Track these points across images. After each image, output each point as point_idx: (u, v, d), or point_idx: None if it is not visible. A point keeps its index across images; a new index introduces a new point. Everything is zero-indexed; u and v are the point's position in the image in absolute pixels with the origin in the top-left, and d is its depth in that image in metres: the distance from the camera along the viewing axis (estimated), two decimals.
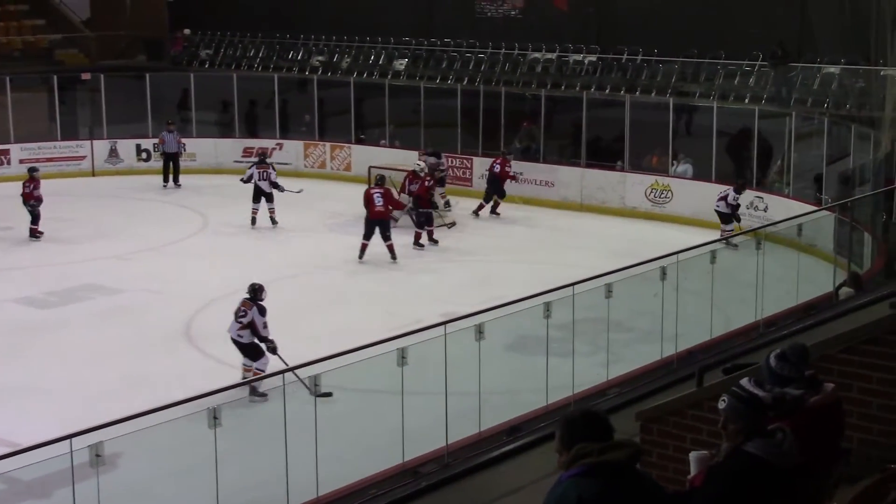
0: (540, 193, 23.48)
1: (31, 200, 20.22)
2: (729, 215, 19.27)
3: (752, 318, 12.45)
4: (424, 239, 19.69)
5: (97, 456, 7.81)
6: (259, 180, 20.94)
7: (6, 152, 26.07)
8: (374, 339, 10.11)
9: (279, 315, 15.70)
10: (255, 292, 12.62)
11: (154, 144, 26.28)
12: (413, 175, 20.81)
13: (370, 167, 22.72)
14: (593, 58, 25.91)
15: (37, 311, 16.17)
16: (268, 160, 22.23)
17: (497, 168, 22.34)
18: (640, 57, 25.10)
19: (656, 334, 11.90)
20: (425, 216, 19.69)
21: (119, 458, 8.56)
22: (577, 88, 25.14)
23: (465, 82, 26.54)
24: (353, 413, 11.14)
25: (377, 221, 18.63)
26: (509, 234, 20.99)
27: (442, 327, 10.22)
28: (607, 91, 24.94)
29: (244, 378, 12.11)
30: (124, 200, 24.03)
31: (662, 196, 22.25)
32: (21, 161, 25.96)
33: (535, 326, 12.90)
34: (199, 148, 27.20)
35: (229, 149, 27.28)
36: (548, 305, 10.88)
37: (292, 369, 9.75)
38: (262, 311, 12.44)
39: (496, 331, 10.66)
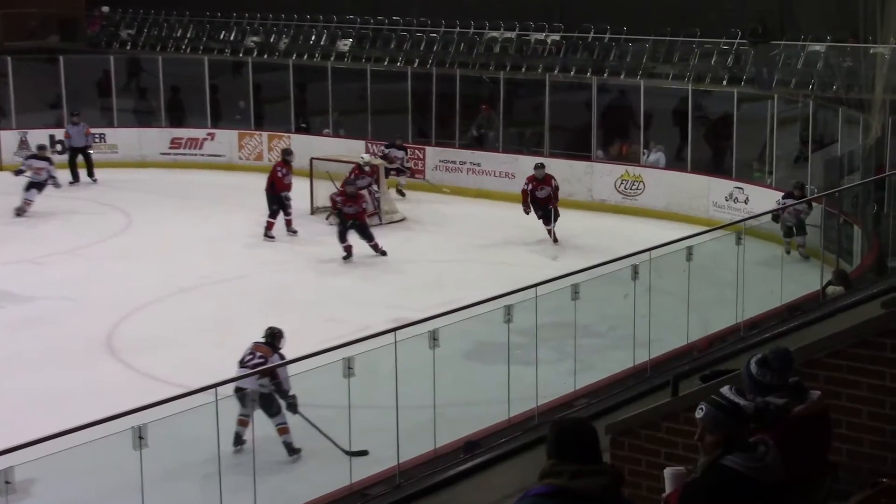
0: (499, 186, 23.51)
1: None
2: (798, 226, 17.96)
3: (733, 321, 12.54)
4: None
5: (6, 483, 7.73)
6: None
7: None
8: (317, 348, 10.08)
9: (209, 324, 15.70)
10: (274, 338, 11.71)
11: (60, 140, 25.98)
12: (359, 169, 20.82)
13: (312, 158, 22.67)
14: (557, 36, 26.02)
15: None
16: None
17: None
18: (607, 35, 25.24)
19: (628, 339, 11.96)
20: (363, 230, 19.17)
21: (33, 486, 8.49)
22: (540, 70, 25.23)
23: (416, 64, 26.56)
24: (295, 429, 11.11)
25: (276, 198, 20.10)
26: (464, 230, 21.01)
27: (392, 334, 10.21)
28: (572, 73, 25.07)
29: (238, 431, 11.07)
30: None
31: (633, 187, 22.38)
32: None
33: (495, 332, 12.90)
34: (120, 139, 27.01)
35: (154, 140, 27.10)
36: (508, 309, 10.89)
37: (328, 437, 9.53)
38: (282, 358, 11.37)
39: (452, 337, 10.65)
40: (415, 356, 10.54)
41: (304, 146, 25.06)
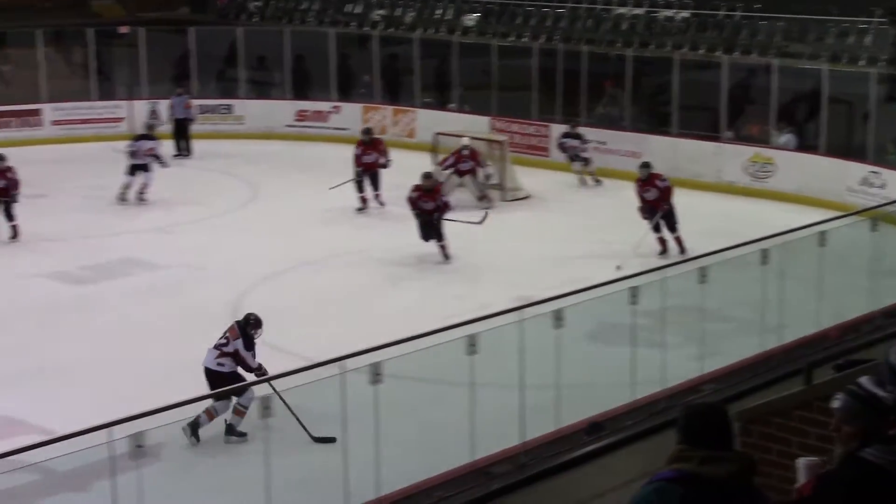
0: (625, 165, 23.28)
1: None
2: None
3: (867, 309, 12.29)
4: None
5: (138, 447, 7.92)
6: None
7: (37, 112, 26.46)
8: (439, 325, 10.14)
9: (333, 296, 15.88)
10: (248, 324, 11.88)
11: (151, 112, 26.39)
12: (459, 154, 20.83)
13: (436, 133, 22.76)
14: (686, 14, 25.65)
15: (71, 287, 16.43)
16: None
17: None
18: (738, 13, 24.81)
19: (756, 325, 11.81)
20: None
21: (163, 450, 8.71)
22: (668, 48, 24.92)
23: (542, 40, 26.43)
24: (417, 406, 11.19)
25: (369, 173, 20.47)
26: (591, 210, 20.91)
27: (516, 313, 10.23)
28: (702, 51, 24.69)
29: (200, 417, 11.02)
30: (165, 167, 24.25)
31: (764, 170, 22.03)
32: (54, 122, 26.40)
33: (620, 314, 12.87)
34: (247, 111, 27.43)
35: (281, 112, 27.44)
36: (634, 291, 10.83)
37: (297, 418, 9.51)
38: (249, 346, 11.72)
39: (576, 318, 10.63)
40: (538, 335, 10.55)
41: (429, 120, 25.19)
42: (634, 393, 10.64)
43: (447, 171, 20.92)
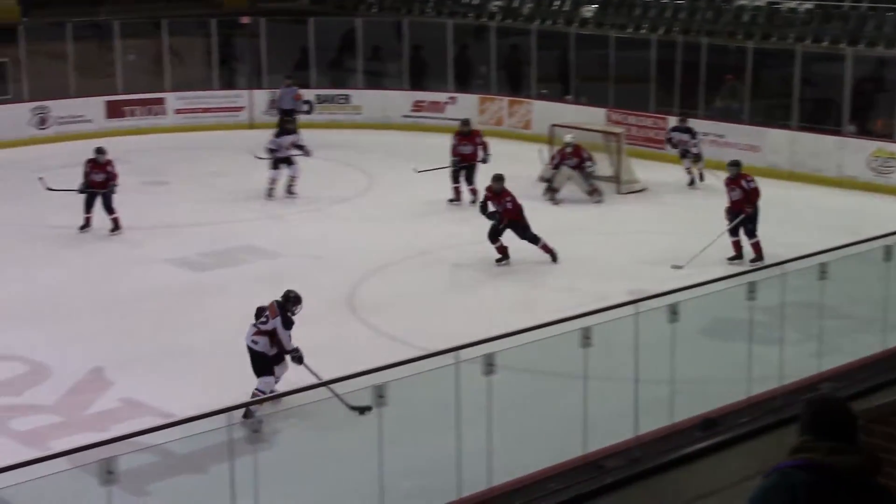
0: (743, 159, 22.87)
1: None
2: None
3: None
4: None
5: (254, 432, 8.05)
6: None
7: (161, 101, 26.98)
8: (553, 318, 10.11)
9: (448, 286, 15.94)
10: (287, 301, 12.07)
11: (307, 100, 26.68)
12: (563, 152, 20.68)
13: (552, 125, 22.69)
14: (810, 5, 25.17)
15: (190, 274, 16.74)
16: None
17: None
18: (865, 4, 24.28)
19: (878, 323, 11.56)
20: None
21: (277, 436, 8.82)
22: (791, 40, 24.49)
23: (660, 32, 26.17)
24: (530, 398, 11.17)
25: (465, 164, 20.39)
26: (705, 204, 20.66)
27: (631, 307, 10.15)
28: (825, 43, 24.23)
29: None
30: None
31: (887, 165, 21.55)
32: (177, 111, 26.90)
33: (737, 309, 12.70)
34: (364, 100, 27.64)
35: (397, 102, 27.60)
36: (752, 286, 10.68)
37: (327, 384, 9.58)
38: (288, 325, 11.89)
39: (691, 312, 10.52)
40: (652, 329, 10.46)
41: (545, 112, 25.13)
42: (750, 389, 10.48)
43: (554, 169, 20.85)
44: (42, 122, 25.47)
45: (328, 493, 9.48)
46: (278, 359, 11.83)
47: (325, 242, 18.08)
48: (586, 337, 9.46)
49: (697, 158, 21.80)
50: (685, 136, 21.81)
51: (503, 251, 16.96)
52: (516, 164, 22.22)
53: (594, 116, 24.43)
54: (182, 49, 28.96)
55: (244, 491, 8.17)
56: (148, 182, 21.92)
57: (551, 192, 20.73)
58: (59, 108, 25.77)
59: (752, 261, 16.64)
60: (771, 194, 20.37)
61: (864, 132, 22.68)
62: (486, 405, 9.17)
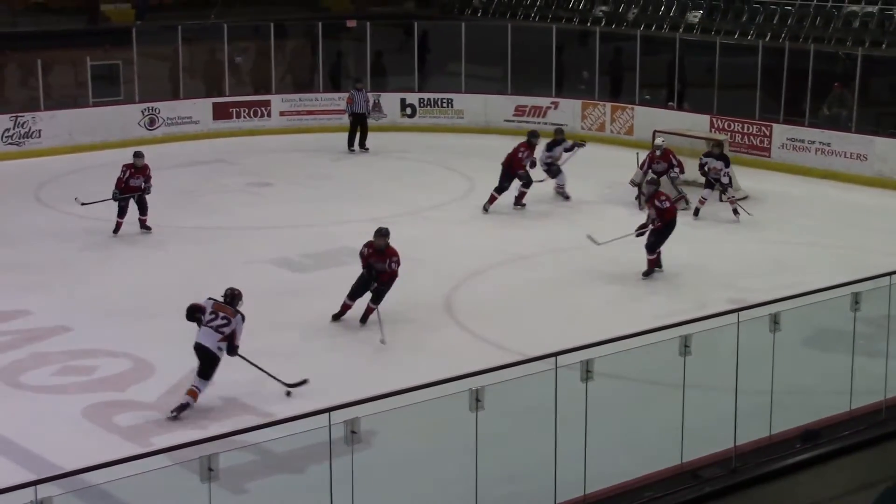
0: (850, 168, 22.65)
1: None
2: None
3: None
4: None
5: (353, 433, 8.08)
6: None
7: (266, 104, 27.31)
8: (653, 325, 10.03)
9: (547, 291, 15.88)
10: (234, 299, 12.43)
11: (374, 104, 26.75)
12: (653, 156, 20.41)
13: (655, 131, 22.51)
14: None
15: (292, 274, 16.90)
16: None
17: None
18: None
19: None
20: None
21: (374, 437, 8.83)
22: None
23: (767, 38, 25.82)
24: (628, 405, 11.09)
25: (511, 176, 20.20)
26: (809, 211, 20.36)
27: (732, 315, 10.03)
28: None
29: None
30: (386, 159, 24.74)
31: None
32: (281, 113, 27.22)
33: (840, 320, 12.47)
34: (467, 104, 27.68)
35: (499, 106, 27.59)
36: (856, 296, 10.50)
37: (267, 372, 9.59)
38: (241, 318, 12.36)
39: (793, 322, 10.37)
40: (753, 339, 10.32)
41: (647, 118, 24.96)
42: (852, 402, 10.30)
43: (643, 174, 20.65)
44: (151, 123, 25.92)
45: (424, 496, 9.50)
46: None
47: (425, 245, 18.12)
48: (686, 345, 9.37)
49: (725, 189, 19.97)
50: (719, 164, 19.94)
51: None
52: (617, 168, 22.11)
53: (698, 123, 24.19)
54: (288, 51, 29.32)
55: (341, 491, 8.22)
56: (253, 183, 22.19)
57: (641, 196, 20.55)
58: (167, 109, 26.20)
59: (644, 273, 16.57)
60: (878, 204, 20.10)
61: None
62: (584, 411, 9.13)
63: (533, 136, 20.73)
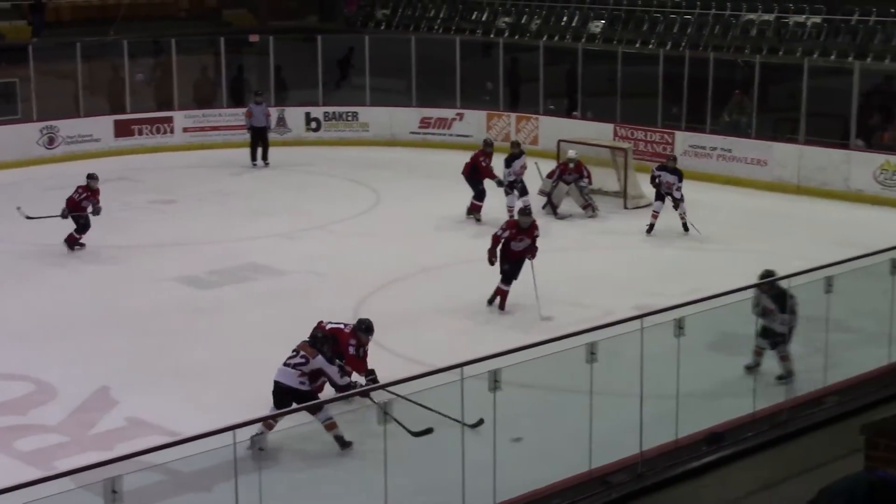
0: (751, 173, 23.04)
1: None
2: None
3: None
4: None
5: (260, 450, 8.05)
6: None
7: (169, 120, 27.06)
8: (559, 333, 10.11)
9: (453, 304, 15.91)
10: (317, 341, 11.82)
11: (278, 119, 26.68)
12: (565, 167, 20.64)
13: (559, 141, 22.72)
14: (818, 19, 25.20)
15: (197, 291, 16.75)
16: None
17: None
18: (872, 18, 24.28)
19: (884, 336, 11.53)
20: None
21: (280, 453, 8.83)
22: (798, 54, 24.51)
23: (668, 47, 26.20)
24: (536, 414, 11.16)
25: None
26: (713, 217, 20.65)
27: (637, 321, 10.15)
28: (833, 57, 24.24)
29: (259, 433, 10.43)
30: (291, 174, 24.65)
31: (894, 178, 21.53)
32: (184, 129, 26.99)
33: (742, 323, 12.70)
34: (371, 117, 27.68)
35: (405, 119, 27.64)
36: (758, 300, 10.67)
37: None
38: (330, 360, 11.66)
39: (697, 327, 10.51)
40: (658, 344, 10.44)
41: (552, 128, 25.17)
42: (756, 404, 10.47)
43: (553, 183, 20.84)
44: (51, 142, 25.55)
45: None
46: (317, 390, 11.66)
47: (331, 259, 18.10)
48: (592, 352, 9.45)
49: (677, 203, 19.54)
50: (672, 178, 19.54)
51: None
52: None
53: (601, 132, 24.46)
54: (190, 67, 29.08)
55: None
56: (156, 201, 21.98)
57: (551, 206, 20.74)
58: (68, 127, 25.83)
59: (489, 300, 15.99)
60: (778, 208, 20.44)
61: (871, 146, 22.66)
62: (492, 421, 9.16)
63: (488, 146, 20.82)
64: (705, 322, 11.36)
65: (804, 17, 25.41)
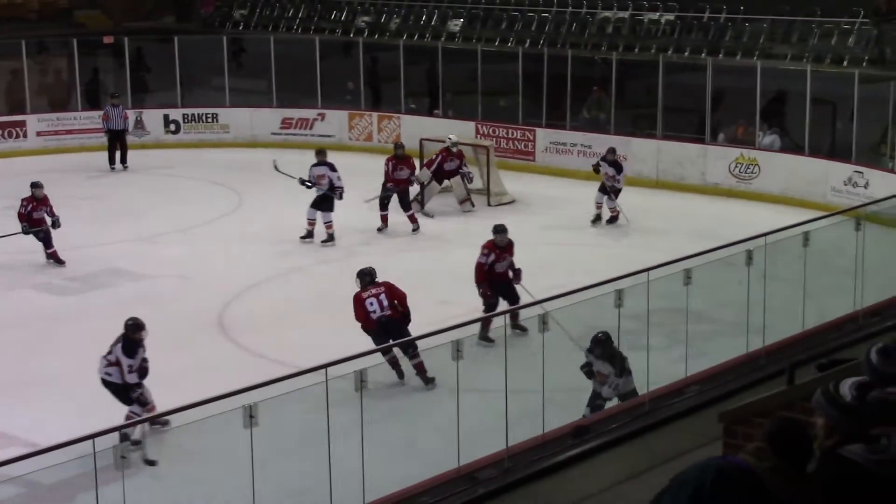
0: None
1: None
2: None
3: (851, 308, 12.30)
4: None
5: (122, 458, 7.92)
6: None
7: (22, 124, 26.40)
8: (425, 330, 10.13)
9: (318, 305, 15.84)
10: (127, 328, 11.78)
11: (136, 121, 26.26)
12: (447, 152, 20.75)
13: (422, 139, 22.77)
14: (671, 16, 25.69)
15: (56, 299, 16.40)
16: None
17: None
18: (723, 15, 24.85)
19: (741, 326, 11.81)
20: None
21: (144, 462, 8.68)
22: (653, 51, 24.95)
23: (527, 45, 26.42)
24: (403, 412, 11.19)
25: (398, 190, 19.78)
26: (573, 213, 20.92)
27: (501, 318, 10.24)
28: (687, 54, 24.74)
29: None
30: (151, 176, 24.27)
31: (748, 171, 22.07)
32: (38, 133, 26.35)
33: (605, 317, 12.86)
34: (231, 119, 27.39)
35: (265, 120, 27.41)
36: (619, 293, 10.83)
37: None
38: (130, 352, 11.58)
39: (562, 321, 10.63)
40: (524, 340, 10.55)
41: (414, 127, 25.20)
42: None
43: (430, 172, 20.88)
44: None
45: None
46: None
47: (193, 263, 17.88)
48: (458, 349, 9.48)
49: (616, 195, 20.04)
50: (611, 171, 20.05)
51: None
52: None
53: (463, 130, 24.51)
54: (43, 70, 28.43)
55: None
56: (10, 207, 21.36)
57: (420, 199, 20.76)
58: None
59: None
60: (637, 202, 20.77)
61: (726, 140, 23.18)
62: (359, 421, 9.14)
63: (398, 148, 20.64)
64: (569, 316, 11.53)
65: (658, 14, 25.88)
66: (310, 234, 18.99)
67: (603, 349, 11.27)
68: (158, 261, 18.03)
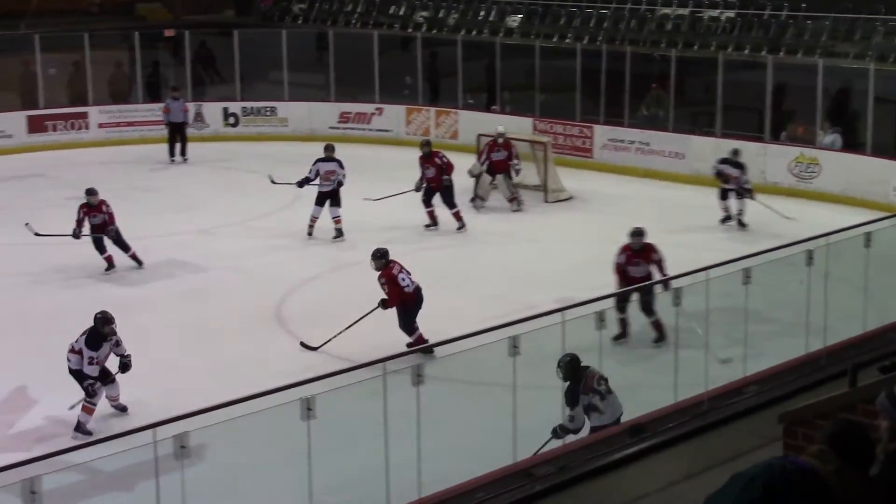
0: (669, 166, 23.28)
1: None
2: None
3: None
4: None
5: (182, 447, 7.96)
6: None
7: (84, 115, 26.69)
8: (481, 326, 10.14)
9: (372, 299, 15.92)
10: (96, 321, 12.08)
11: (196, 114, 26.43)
12: (494, 143, 20.72)
13: (479, 135, 22.76)
14: (731, 13, 25.54)
15: (117, 289, 16.56)
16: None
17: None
18: (784, 13, 24.67)
19: (801, 327, 11.72)
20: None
21: (205, 450, 8.74)
22: (713, 48, 24.82)
23: (585, 41, 26.38)
24: (460, 408, 11.20)
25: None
26: (631, 211, 20.80)
27: (559, 314, 10.22)
28: (747, 51, 24.56)
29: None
30: (210, 169, 24.46)
31: (809, 170, 21.87)
32: (100, 125, 26.65)
33: (663, 315, 12.85)
34: (290, 112, 27.54)
35: (324, 114, 27.52)
36: (677, 292, 10.80)
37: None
38: (94, 344, 11.89)
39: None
40: (580, 337, 10.53)
41: (471, 122, 25.20)
42: (677, 395, 10.58)
43: (484, 165, 20.84)
44: None
45: None
46: (105, 378, 12.00)
47: (251, 255, 17.99)
48: (515, 346, 9.49)
49: (745, 195, 19.35)
50: (736, 172, 19.35)
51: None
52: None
53: (520, 126, 24.53)
54: (105, 62, 28.71)
55: None
56: (72, 198, 21.60)
57: (478, 199, 20.80)
58: None
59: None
60: (694, 200, 20.66)
61: (787, 138, 22.99)
62: (416, 416, 9.17)
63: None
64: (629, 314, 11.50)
65: (718, 11, 25.73)
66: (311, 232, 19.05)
67: (565, 372, 10.44)
68: (216, 253, 18.16)
